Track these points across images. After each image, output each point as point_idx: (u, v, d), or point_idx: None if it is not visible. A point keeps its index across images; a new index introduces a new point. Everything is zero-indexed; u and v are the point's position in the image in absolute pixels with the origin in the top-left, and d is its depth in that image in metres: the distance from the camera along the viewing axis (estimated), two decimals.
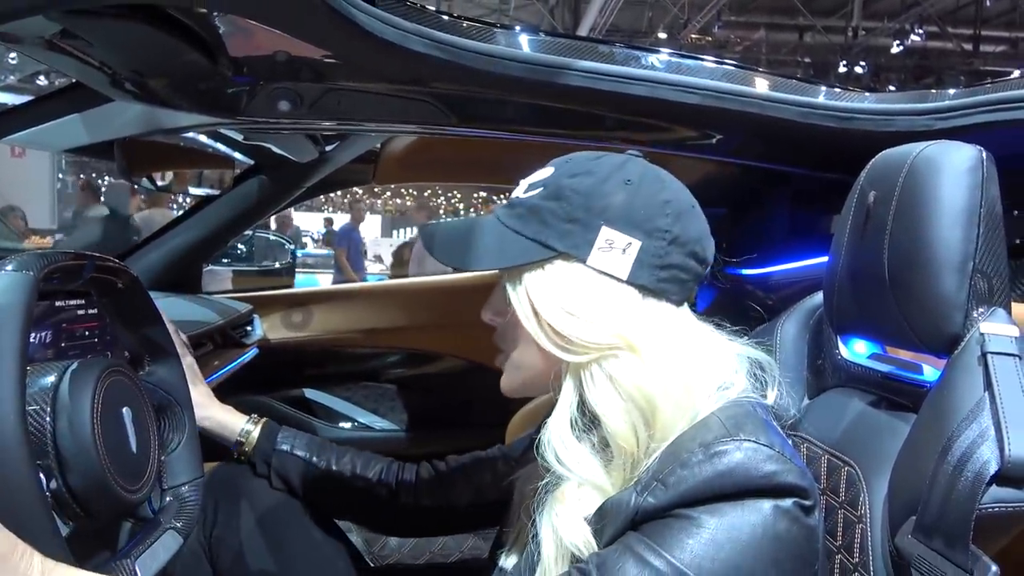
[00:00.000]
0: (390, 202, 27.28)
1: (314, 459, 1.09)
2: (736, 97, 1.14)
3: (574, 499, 0.70)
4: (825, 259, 1.30)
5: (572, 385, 0.71)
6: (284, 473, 1.08)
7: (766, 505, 0.62)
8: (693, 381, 0.69)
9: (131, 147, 1.18)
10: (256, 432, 1.10)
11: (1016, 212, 1.14)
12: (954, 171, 0.79)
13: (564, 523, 0.69)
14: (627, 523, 0.65)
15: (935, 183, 0.79)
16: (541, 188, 0.73)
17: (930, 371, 0.85)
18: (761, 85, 1.15)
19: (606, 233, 0.69)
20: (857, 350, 0.99)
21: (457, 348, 2.19)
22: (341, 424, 2.16)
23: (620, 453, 0.69)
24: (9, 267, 0.68)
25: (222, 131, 1.56)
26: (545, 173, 0.75)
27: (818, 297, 1.07)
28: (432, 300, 2.23)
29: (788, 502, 0.63)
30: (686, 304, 0.75)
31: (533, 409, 2.03)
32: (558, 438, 0.70)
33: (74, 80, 1.15)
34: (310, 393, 2.18)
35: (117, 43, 0.93)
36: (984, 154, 0.79)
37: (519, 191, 0.76)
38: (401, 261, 7.49)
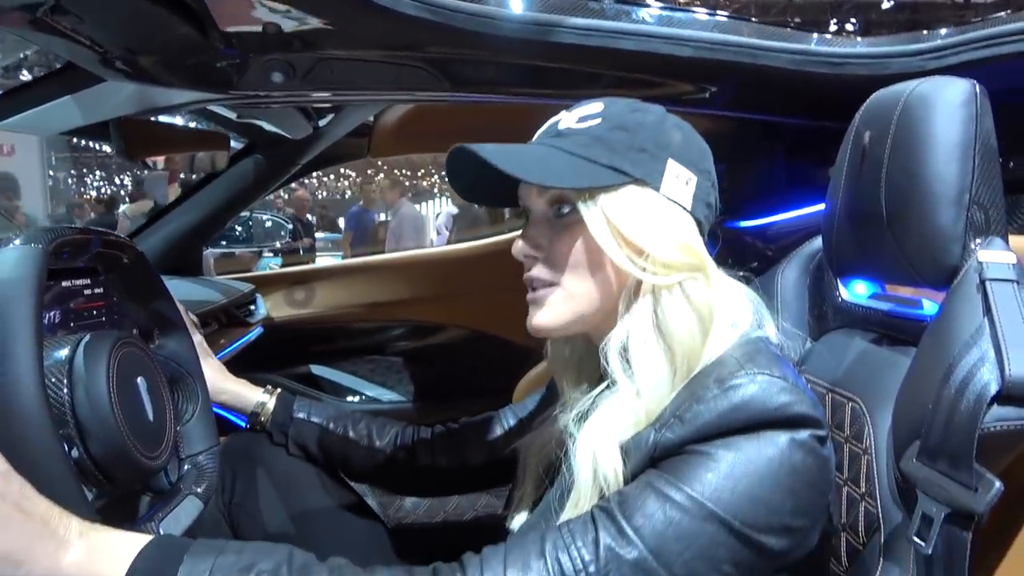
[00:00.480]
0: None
1: (330, 426, 1.11)
2: (729, 47, 1.13)
3: (615, 419, 0.71)
4: (822, 207, 1.31)
5: (649, 303, 0.73)
6: (301, 441, 1.10)
7: (782, 438, 0.63)
8: (727, 312, 0.73)
9: (128, 127, 1.18)
10: (272, 402, 1.11)
11: (1012, 164, 1.15)
12: (948, 106, 0.79)
13: (602, 445, 0.70)
14: (646, 460, 0.66)
15: (930, 119, 0.80)
16: (600, 120, 0.75)
17: (929, 305, 0.87)
18: (753, 34, 1.15)
19: (673, 166, 0.74)
20: (857, 291, 1.00)
21: (460, 318, 2.21)
22: (349, 398, 2.18)
23: (677, 368, 0.71)
24: (17, 241, 0.69)
25: (215, 110, 1.56)
26: (595, 108, 0.76)
27: (817, 242, 1.08)
28: (433, 272, 2.24)
29: (804, 434, 0.64)
30: None
31: (539, 374, 2.04)
32: (639, 338, 0.72)
33: (65, 62, 1.15)
34: (316, 369, 2.20)
35: (106, 17, 0.92)
36: (978, 87, 0.80)
37: (568, 123, 0.76)
38: (376, 239, 7.52)
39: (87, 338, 0.78)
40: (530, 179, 0.72)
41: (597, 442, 0.71)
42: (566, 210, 0.75)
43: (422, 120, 1.84)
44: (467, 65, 1.19)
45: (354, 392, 2.19)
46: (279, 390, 1.15)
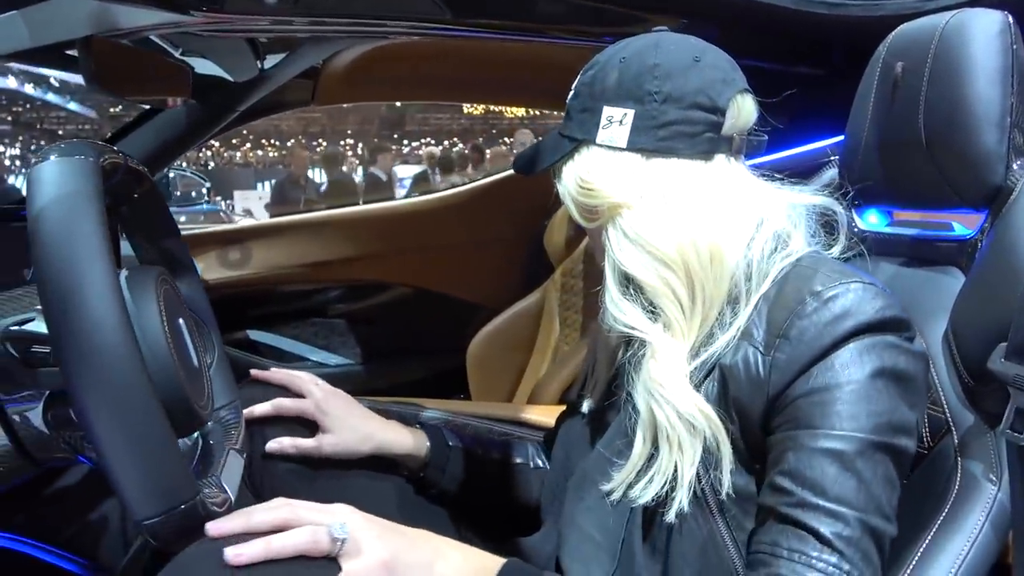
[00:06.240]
0: (250, 154, 25.78)
1: (479, 450, 1.01)
2: None
3: (667, 363, 0.71)
4: (811, 146, 1.36)
5: (607, 251, 0.75)
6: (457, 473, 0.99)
7: (884, 341, 0.67)
8: (727, 230, 0.73)
9: (100, 48, 1.02)
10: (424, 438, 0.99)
11: None
12: (985, 35, 0.84)
13: (672, 392, 0.70)
14: (762, 388, 0.68)
15: (968, 47, 0.84)
16: (572, 92, 0.79)
17: (959, 227, 0.92)
18: None
19: (606, 111, 0.74)
20: (870, 221, 1.05)
21: (404, 276, 2.14)
22: (293, 364, 2.06)
23: (670, 313, 0.72)
24: (68, 154, 0.58)
25: (156, 41, 1.40)
26: (576, 82, 0.79)
27: (826, 176, 1.12)
28: (374, 229, 2.14)
29: (899, 336, 0.68)
30: (725, 157, 0.75)
31: (493, 331, 2.02)
32: (610, 300, 0.75)
33: None
34: (254, 334, 2.06)
35: None
36: (1010, 18, 0.85)
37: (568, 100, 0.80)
38: None
39: (125, 273, 0.68)
40: (521, 171, 0.81)
41: (673, 395, 0.70)
42: None
43: (375, 66, 1.74)
44: None
45: (298, 357, 2.08)
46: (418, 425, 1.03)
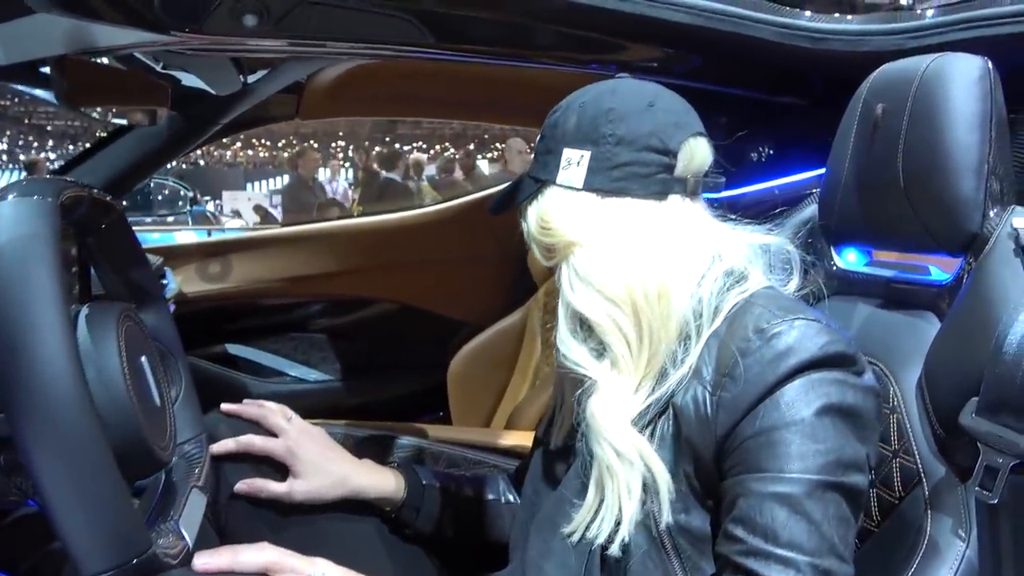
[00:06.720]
0: (240, 154, 25.65)
1: (452, 487, 1.00)
2: (717, 16, 1.14)
3: (608, 400, 0.73)
4: (786, 180, 1.36)
5: (560, 289, 0.77)
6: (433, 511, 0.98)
7: (831, 377, 0.67)
8: (675, 269, 0.73)
9: (72, 68, 1.00)
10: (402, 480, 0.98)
11: None
12: (966, 80, 0.84)
13: (611, 431, 0.71)
14: (708, 429, 0.68)
15: (948, 92, 0.84)
16: (539, 135, 0.81)
17: (937, 272, 0.92)
18: (743, 5, 1.16)
19: (566, 153, 0.76)
20: (849, 259, 1.04)
21: (388, 291, 2.12)
22: (272, 379, 2.04)
23: (617, 350, 0.73)
24: (27, 194, 0.57)
25: (139, 57, 1.38)
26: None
27: (807, 211, 1.12)
28: (358, 243, 2.12)
29: (846, 371, 0.68)
30: (679, 197, 0.76)
31: (475, 349, 2.01)
32: (560, 339, 0.77)
33: None
34: (233, 348, 2.04)
35: None
36: (990, 64, 0.85)
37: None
38: None
39: (85, 310, 0.66)
40: (496, 212, 0.83)
41: (610, 433, 0.71)
42: None
43: (360, 82, 1.73)
44: (452, 20, 1.12)
45: (276, 372, 2.05)
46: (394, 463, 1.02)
